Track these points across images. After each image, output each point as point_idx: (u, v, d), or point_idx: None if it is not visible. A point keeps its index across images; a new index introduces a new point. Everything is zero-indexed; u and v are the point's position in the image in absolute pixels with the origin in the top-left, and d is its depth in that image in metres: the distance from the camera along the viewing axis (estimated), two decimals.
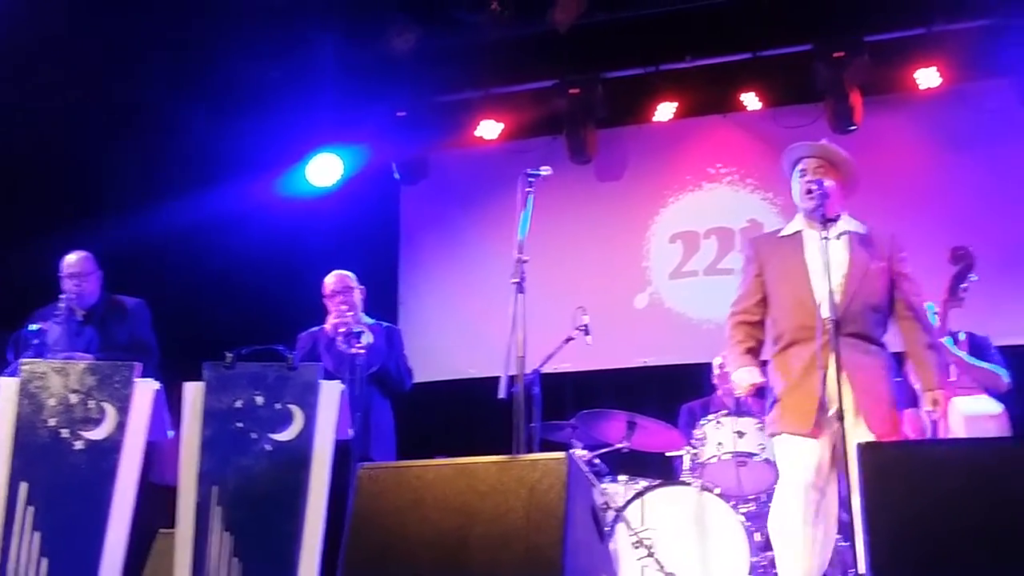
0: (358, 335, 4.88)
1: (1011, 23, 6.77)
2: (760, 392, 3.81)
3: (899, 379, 5.30)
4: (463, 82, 7.74)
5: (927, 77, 7.12)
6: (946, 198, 7.11)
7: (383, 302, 7.35)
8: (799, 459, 3.56)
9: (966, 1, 6.78)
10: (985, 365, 4.90)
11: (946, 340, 4.83)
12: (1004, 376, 4.89)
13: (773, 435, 3.73)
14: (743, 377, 3.70)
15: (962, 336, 4.98)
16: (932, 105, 7.31)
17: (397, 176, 8.17)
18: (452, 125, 7.97)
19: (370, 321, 5.24)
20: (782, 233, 3.89)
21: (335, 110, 7.74)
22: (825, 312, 3.48)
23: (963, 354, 4.88)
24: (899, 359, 5.29)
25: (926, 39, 7.02)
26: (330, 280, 5.24)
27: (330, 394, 3.89)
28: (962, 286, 4.64)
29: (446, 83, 7.70)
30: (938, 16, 6.91)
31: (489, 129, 7.91)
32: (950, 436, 4.65)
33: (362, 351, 4.82)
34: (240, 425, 3.80)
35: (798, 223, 3.81)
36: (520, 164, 4.22)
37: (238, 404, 3.82)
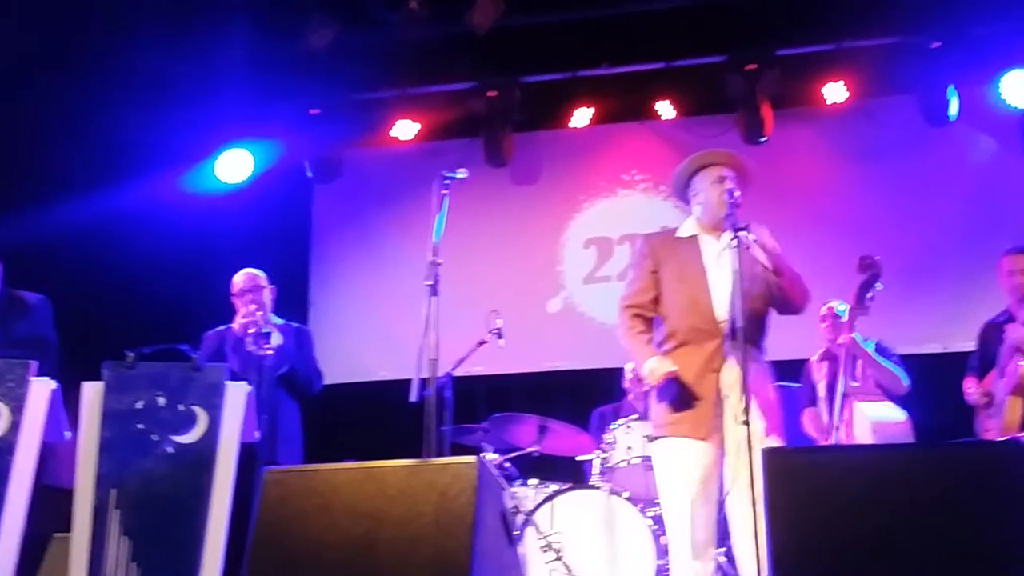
0: (267, 336, 4.78)
1: (914, 42, 7.01)
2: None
3: (799, 384, 5.46)
4: (379, 81, 7.66)
5: (834, 92, 7.32)
6: (852, 209, 7.31)
7: (293, 302, 7.22)
8: (690, 464, 3.57)
9: (873, 19, 6.99)
10: (888, 364, 5.05)
11: (855, 336, 4.97)
12: (904, 379, 5.04)
13: (659, 438, 3.71)
14: (657, 366, 3.64)
15: (870, 345, 5.12)
16: (839, 119, 7.51)
17: (310, 174, 8.03)
18: (367, 124, 7.89)
19: (279, 321, 5.14)
20: (678, 234, 3.92)
21: (246, 105, 7.57)
22: (721, 316, 3.55)
23: (871, 350, 5.02)
24: (795, 367, 5.46)
25: (834, 55, 7.22)
26: (239, 278, 5.13)
27: (236, 396, 3.79)
28: (868, 295, 4.77)
29: (362, 81, 7.60)
30: (846, 33, 7.11)
31: (405, 129, 7.85)
32: (856, 442, 4.78)
33: (271, 351, 4.72)
34: (141, 426, 3.68)
35: (693, 227, 3.87)
36: (436, 166, 4.19)
37: (139, 405, 3.70)
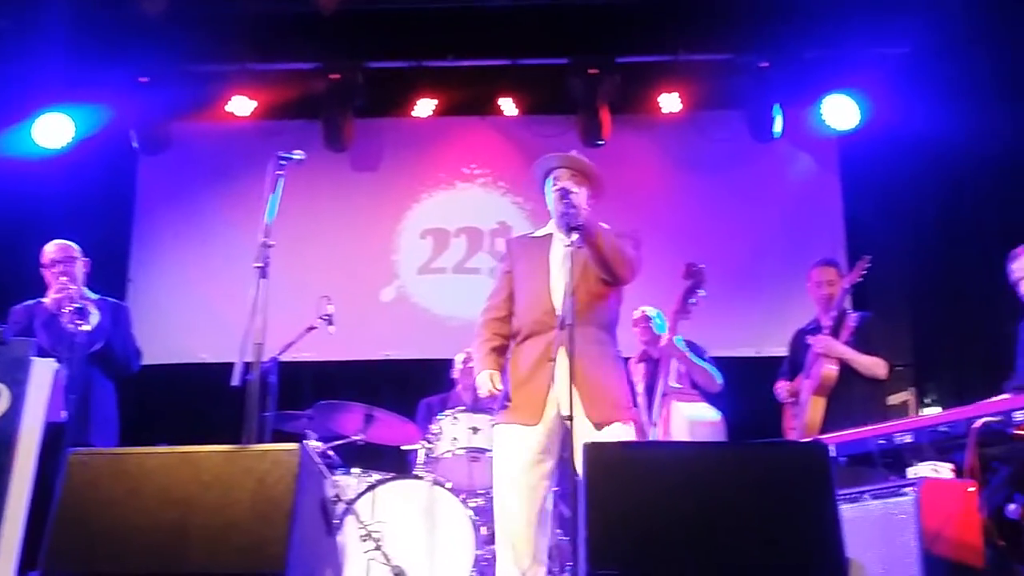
0: (83, 311, 4.55)
1: (745, 60, 7.35)
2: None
3: None
4: (217, 53, 7.40)
5: (670, 102, 7.59)
6: (679, 216, 7.60)
7: (111, 277, 6.92)
8: (521, 449, 3.67)
9: (709, 36, 7.28)
10: (704, 364, 5.28)
11: (676, 339, 5.17)
12: (718, 377, 5.30)
13: (497, 424, 3.83)
14: (483, 382, 3.83)
15: (682, 344, 5.33)
16: (673, 128, 7.79)
17: (135, 145, 7.67)
18: (201, 97, 7.62)
19: (94, 296, 4.90)
20: (535, 234, 4.03)
21: (69, 68, 7.14)
22: (560, 309, 3.63)
23: (688, 352, 5.23)
24: None
25: (671, 66, 7.48)
26: (50, 248, 4.85)
27: (42, 373, 3.60)
28: (691, 300, 4.97)
29: (198, 52, 7.32)
30: (683, 47, 7.37)
31: (241, 105, 7.62)
32: (672, 439, 4.98)
33: (87, 328, 4.49)
34: None
35: (550, 226, 3.95)
36: (272, 145, 4.10)
37: None
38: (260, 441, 3.52)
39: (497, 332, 3.91)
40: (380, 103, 7.79)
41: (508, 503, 3.66)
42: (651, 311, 5.50)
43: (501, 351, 3.90)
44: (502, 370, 3.87)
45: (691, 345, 5.37)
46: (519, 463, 3.66)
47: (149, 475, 2.82)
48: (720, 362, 5.45)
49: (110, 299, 5.09)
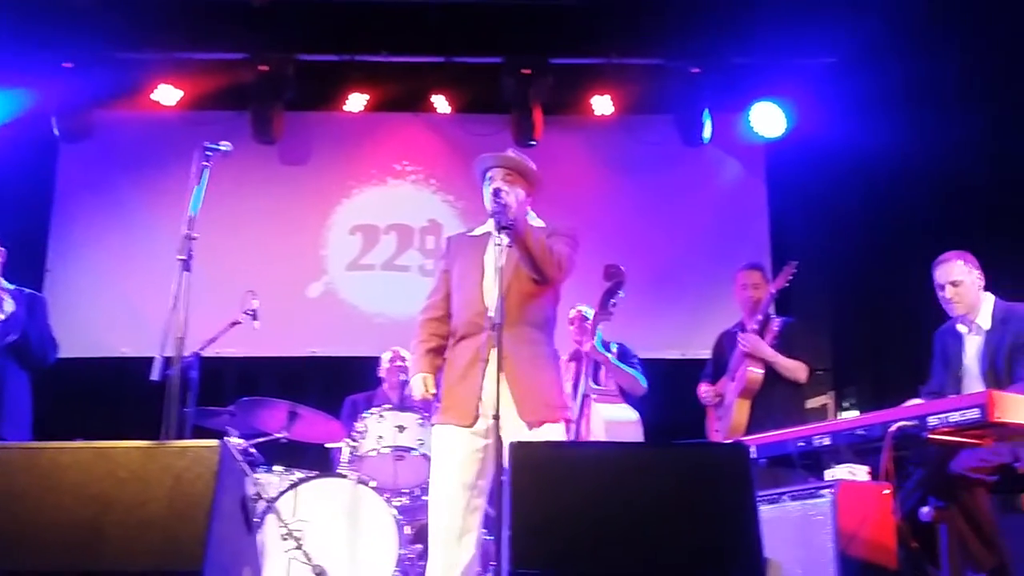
0: None
1: (677, 65, 7.44)
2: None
3: None
4: (144, 41, 7.23)
5: (602, 104, 7.65)
6: (610, 218, 7.64)
7: (28, 267, 6.72)
8: (453, 450, 3.67)
9: (641, 40, 7.36)
10: (627, 369, 5.32)
11: (596, 342, 5.20)
12: (642, 381, 5.34)
13: (434, 424, 3.83)
14: (417, 386, 3.82)
15: (613, 347, 5.37)
16: (604, 130, 7.85)
17: (56, 132, 7.45)
18: (126, 85, 7.43)
19: (10, 287, 4.76)
20: (473, 232, 4.00)
21: None
22: (492, 309, 3.62)
23: (611, 356, 5.27)
24: None
25: (604, 69, 7.54)
26: None
27: None
28: (612, 302, 5.00)
29: (124, 39, 7.15)
30: (616, 50, 7.43)
31: (167, 95, 7.46)
32: (592, 438, 5.01)
33: (1, 318, 4.36)
34: None
35: (489, 225, 3.93)
36: (198, 136, 4.01)
37: None
38: (180, 438, 3.45)
39: (434, 333, 3.88)
40: (311, 96, 7.70)
41: (440, 501, 3.65)
42: (588, 311, 5.50)
43: (438, 352, 3.87)
44: (438, 372, 3.85)
45: (621, 348, 5.41)
46: (452, 462, 3.65)
47: (64, 470, 2.75)
48: (646, 363, 5.50)
49: (26, 289, 4.96)
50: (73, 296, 7.31)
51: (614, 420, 5.14)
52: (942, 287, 4.35)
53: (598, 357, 5.21)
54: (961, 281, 4.32)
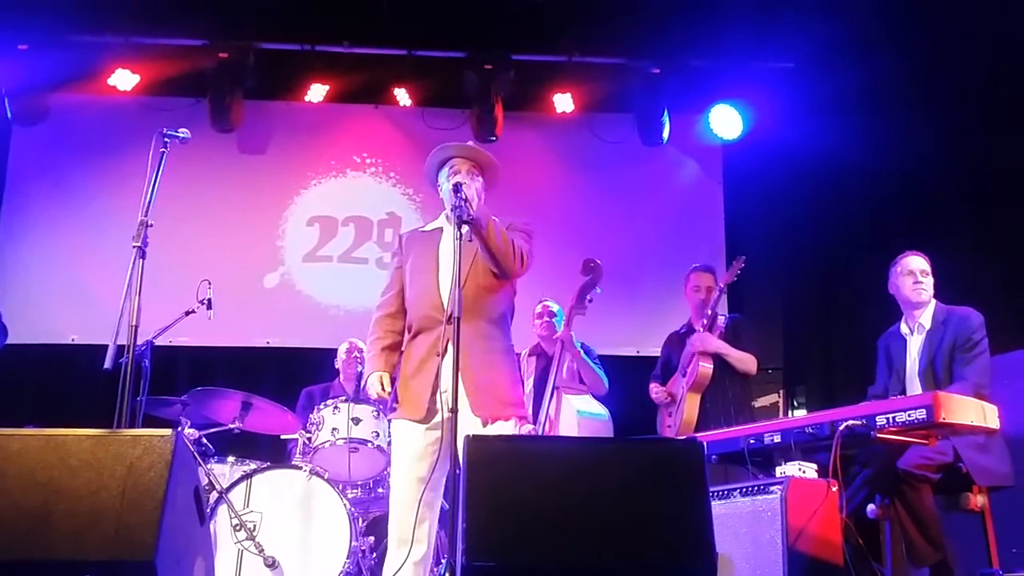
0: None
1: (637, 65, 7.49)
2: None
3: None
4: (101, 24, 7.11)
5: (563, 102, 7.68)
6: (568, 214, 7.68)
7: None
8: (409, 444, 3.66)
9: (602, 39, 7.40)
10: (594, 366, 5.36)
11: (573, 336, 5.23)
12: (605, 381, 5.38)
13: (390, 419, 3.83)
14: (373, 384, 3.79)
15: (577, 344, 5.39)
16: (565, 128, 7.88)
17: (9, 114, 7.32)
18: (82, 68, 7.31)
19: None
20: (425, 228, 4.00)
21: None
22: (448, 303, 3.61)
23: (581, 350, 5.30)
24: None
25: (565, 67, 7.57)
26: None
27: None
28: (588, 296, 5.02)
29: (81, 22, 7.03)
30: (577, 49, 7.46)
31: (124, 79, 7.35)
32: (562, 432, 5.03)
33: None
34: None
35: (441, 219, 3.92)
36: (156, 122, 3.99)
37: None
38: (132, 427, 3.42)
39: (389, 329, 3.86)
40: (271, 85, 7.64)
41: (397, 494, 3.65)
42: (554, 306, 5.51)
43: (393, 349, 3.85)
44: (394, 369, 3.84)
45: (583, 346, 5.45)
46: (408, 456, 3.65)
47: (11, 458, 2.70)
48: (603, 360, 5.54)
49: None
50: (23, 281, 7.19)
51: (586, 414, 5.19)
52: (913, 273, 4.44)
53: (571, 349, 5.23)
54: (928, 272, 4.44)
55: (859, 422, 3.76)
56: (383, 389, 3.77)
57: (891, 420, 3.71)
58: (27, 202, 7.50)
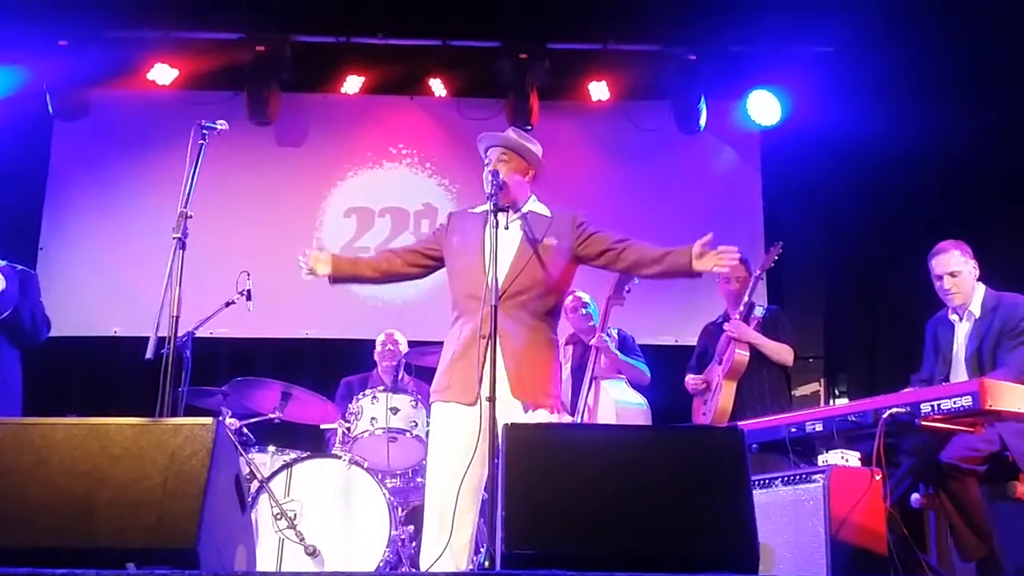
0: None
1: (674, 52, 7.42)
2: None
3: None
4: (140, 20, 7.18)
5: (598, 90, 7.62)
6: (604, 203, 7.61)
7: (21, 244, 6.72)
8: (454, 428, 3.62)
9: (638, 26, 7.33)
10: (632, 361, 5.33)
11: (606, 336, 5.21)
12: (646, 372, 5.35)
13: (435, 402, 3.78)
14: (311, 251, 3.91)
15: (614, 332, 5.38)
16: (601, 116, 7.83)
17: (51, 110, 7.41)
18: (122, 64, 7.38)
19: (2, 263, 4.74)
20: (474, 210, 3.98)
21: None
22: (493, 288, 3.61)
23: (617, 352, 5.27)
24: None
25: (600, 55, 7.51)
26: None
27: None
28: (626, 287, 5.00)
29: (120, 18, 7.10)
30: (613, 36, 7.41)
31: (163, 74, 7.41)
32: (600, 420, 5.02)
33: None
34: None
35: (489, 204, 3.92)
36: (194, 115, 4.00)
37: None
38: (174, 416, 3.45)
39: (381, 258, 4.00)
40: (307, 78, 7.66)
41: (438, 479, 3.61)
42: (586, 297, 5.50)
43: (365, 264, 3.99)
44: (343, 267, 3.93)
45: (621, 334, 5.41)
46: (453, 441, 3.60)
47: (55, 447, 2.73)
48: (641, 348, 5.51)
49: (19, 267, 4.94)
50: (66, 274, 7.28)
51: (623, 403, 5.19)
52: (940, 278, 4.36)
53: (607, 354, 5.23)
54: (959, 271, 4.34)
55: (903, 410, 3.69)
56: (311, 254, 3.85)
57: (936, 407, 3.64)
58: (69, 197, 7.60)
